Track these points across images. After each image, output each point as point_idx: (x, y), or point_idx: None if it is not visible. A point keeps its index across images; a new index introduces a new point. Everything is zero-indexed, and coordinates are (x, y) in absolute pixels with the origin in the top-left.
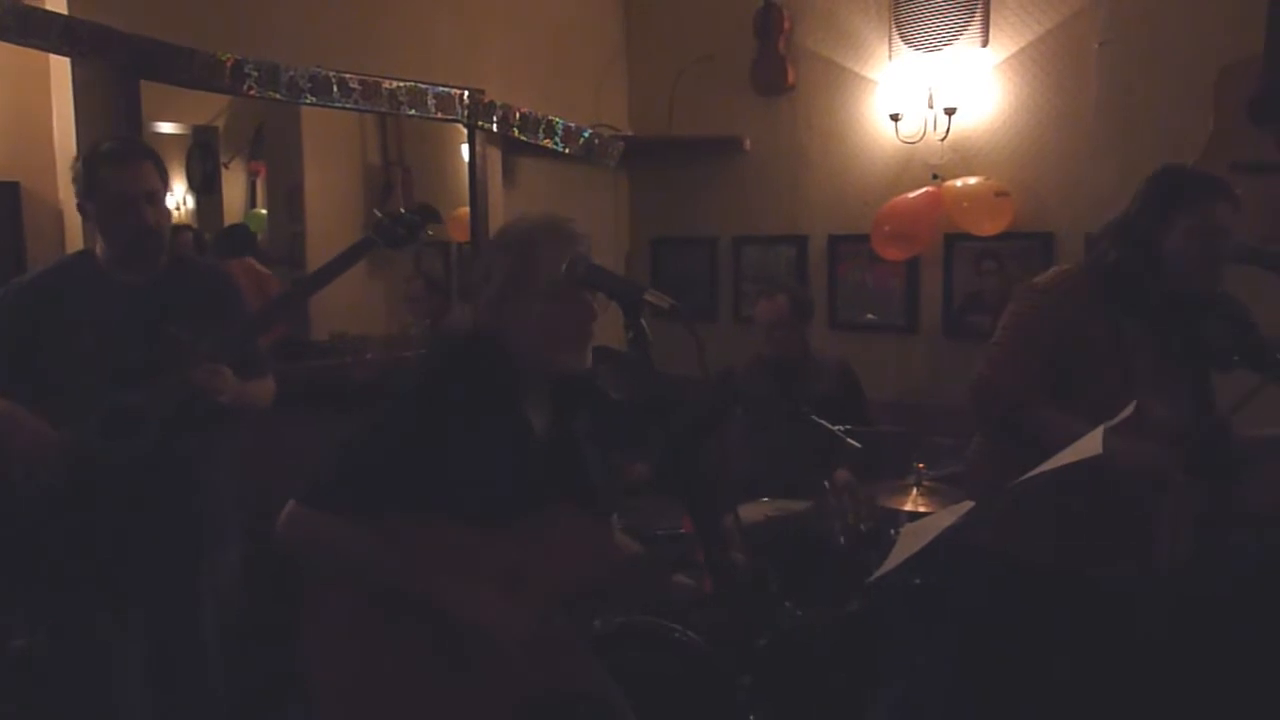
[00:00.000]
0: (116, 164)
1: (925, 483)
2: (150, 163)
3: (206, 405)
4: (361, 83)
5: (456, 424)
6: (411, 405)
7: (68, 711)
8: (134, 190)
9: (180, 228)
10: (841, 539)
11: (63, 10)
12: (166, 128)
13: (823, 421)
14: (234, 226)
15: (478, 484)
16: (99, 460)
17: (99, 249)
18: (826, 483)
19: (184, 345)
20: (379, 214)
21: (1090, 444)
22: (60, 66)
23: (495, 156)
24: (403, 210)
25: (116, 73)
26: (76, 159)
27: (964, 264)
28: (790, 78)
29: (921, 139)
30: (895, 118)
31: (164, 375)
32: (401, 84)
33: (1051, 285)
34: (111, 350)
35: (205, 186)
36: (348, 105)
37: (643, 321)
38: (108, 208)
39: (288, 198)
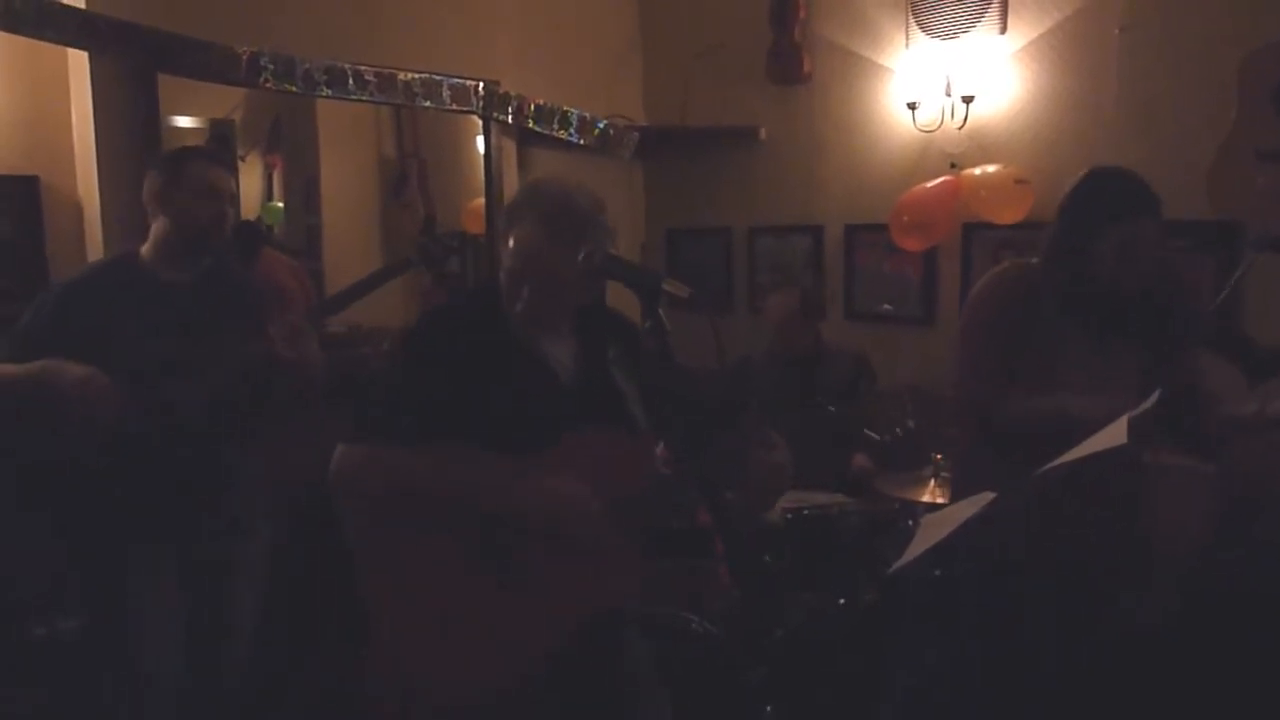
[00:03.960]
0: (213, 163)
1: (943, 474)
2: (232, 170)
3: (278, 374)
4: (377, 75)
5: (460, 357)
6: (421, 340)
7: (103, 688)
8: (223, 187)
9: None
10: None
11: (81, 4)
12: (183, 121)
13: (837, 411)
14: (241, 225)
15: (492, 418)
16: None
17: (146, 248)
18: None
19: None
20: (421, 236)
21: (1114, 433)
22: (78, 60)
23: (510, 148)
24: (439, 233)
25: (134, 67)
26: (163, 158)
27: (983, 253)
28: (806, 67)
29: (939, 127)
30: (912, 106)
31: (211, 371)
32: (417, 76)
33: (1002, 275)
34: (158, 350)
35: None
36: (363, 97)
37: (661, 311)
38: (196, 197)
39: (304, 190)
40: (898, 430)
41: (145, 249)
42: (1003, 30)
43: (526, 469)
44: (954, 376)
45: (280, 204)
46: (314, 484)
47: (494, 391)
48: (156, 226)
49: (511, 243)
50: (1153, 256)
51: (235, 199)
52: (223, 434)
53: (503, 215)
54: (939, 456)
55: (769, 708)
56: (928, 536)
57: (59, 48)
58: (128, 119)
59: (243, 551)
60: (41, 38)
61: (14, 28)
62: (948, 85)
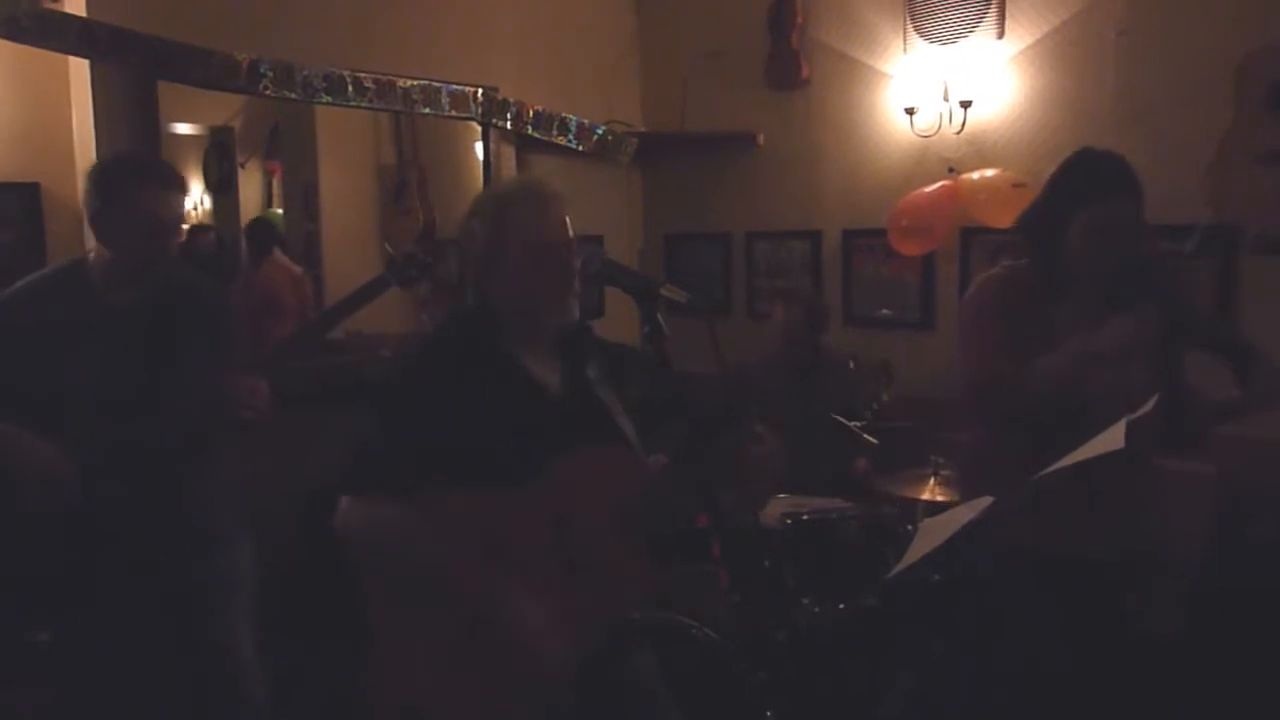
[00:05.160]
0: (153, 186)
1: (942, 475)
2: (179, 190)
3: (228, 424)
4: (376, 81)
5: (458, 390)
6: (414, 378)
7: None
8: (167, 217)
9: (203, 228)
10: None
11: (81, 12)
12: (183, 128)
13: (840, 419)
14: (255, 222)
15: (495, 446)
16: (100, 493)
17: (94, 259)
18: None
19: (189, 373)
20: (390, 251)
21: (1113, 437)
22: (79, 68)
23: (509, 154)
24: (412, 249)
25: (134, 74)
26: (98, 171)
27: (981, 257)
28: (804, 72)
29: (937, 132)
30: (910, 111)
31: (166, 407)
32: (416, 82)
33: (995, 275)
34: (105, 376)
35: (222, 186)
36: (362, 104)
37: (659, 316)
38: (136, 229)
39: (303, 196)
40: (874, 405)
41: (93, 261)
42: (1000, 35)
43: (509, 531)
44: (963, 369)
45: (279, 210)
46: (287, 489)
47: (493, 420)
48: (97, 248)
49: (550, 236)
50: (1130, 238)
51: (179, 223)
52: (180, 459)
53: (493, 221)
54: (938, 458)
55: (769, 712)
56: (925, 541)
57: (60, 56)
58: (128, 126)
59: (221, 564)
60: (43, 46)
61: (15, 36)
62: (945, 90)
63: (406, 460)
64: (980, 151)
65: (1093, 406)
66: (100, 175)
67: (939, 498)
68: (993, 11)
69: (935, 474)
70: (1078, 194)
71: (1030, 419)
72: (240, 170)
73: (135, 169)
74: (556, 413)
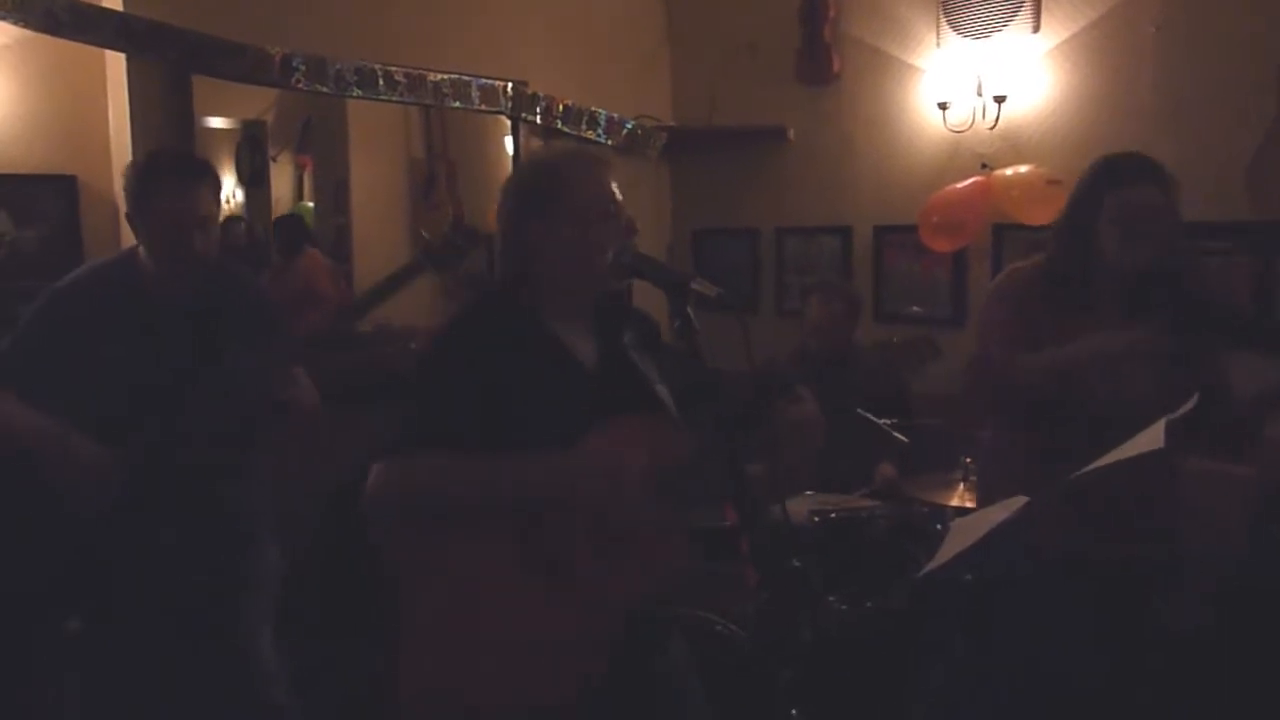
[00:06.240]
0: (171, 185)
1: (972, 477)
2: (206, 185)
3: (272, 415)
4: (407, 75)
5: (492, 364)
6: (447, 352)
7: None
8: (187, 217)
9: (233, 220)
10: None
11: (118, 7)
12: (217, 122)
13: (869, 415)
14: (286, 217)
15: (529, 420)
16: (141, 484)
17: (143, 254)
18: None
19: (237, 370)
20: (426, 236)
21: (1150, 437)
22: (116, 62)
23: (538, 148)
24: (449, 234)
25: (170, 68)
26: (130, 167)
27: (1014, 254)
28: (835, 66)
29: (970, 128)
30: (943, 106)
31: (210, 400)
32: (446, 76)
33: (1012, 272)
34: (154, 370)
35: (254, 180)
36: (393, 98)
37: (689, 311)
38: (157, 229)
39: (334, 190)
40: (914, 381)
41: (143, 254)
42: (1035, 29)
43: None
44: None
45: (310, 204)
46: (320, 494)
47: (530, 390)
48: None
49: (608, 191)
50: (1159, 228)
51: (206, 221)
52: (222, 459)
53: (545, 186)
54: (970, 460)
55: (794, 710)
56: (958, 541)
57: (97, 50)
58: (163, 119)
59: (252, 564)
60: (80, 40)
61: (53, 30)
62: (979, 85)
63: (441, 435)
64: (1014, 147)
65: (1096, 403)
66: (129, 175)
67: (968, 503)
68: (1028, 5)
69: (965, 478)
70: (1104, 183)
71: (1026, 411)
72: (272, 164)
73: (158, 168)
74: (592, 385)
